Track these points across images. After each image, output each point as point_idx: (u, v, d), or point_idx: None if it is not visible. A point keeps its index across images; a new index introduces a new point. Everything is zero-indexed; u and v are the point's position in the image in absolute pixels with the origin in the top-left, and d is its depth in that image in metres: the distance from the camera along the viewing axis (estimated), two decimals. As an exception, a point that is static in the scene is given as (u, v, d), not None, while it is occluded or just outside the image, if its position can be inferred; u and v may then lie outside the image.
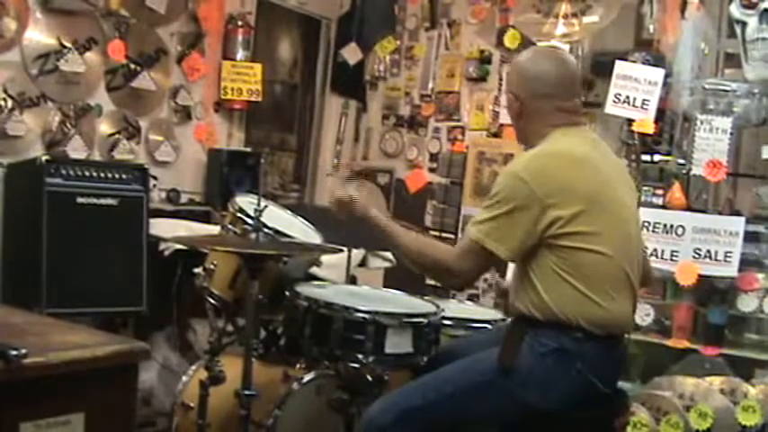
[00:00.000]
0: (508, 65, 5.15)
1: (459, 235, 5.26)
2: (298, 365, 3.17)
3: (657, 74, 3.87)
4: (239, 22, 5.16)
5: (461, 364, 2.56)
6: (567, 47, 4.38)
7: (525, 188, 2.38)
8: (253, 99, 5.21)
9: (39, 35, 4.21)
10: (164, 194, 4.72)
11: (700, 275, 3.67)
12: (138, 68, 4.65)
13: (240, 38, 5.17)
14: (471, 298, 5.04)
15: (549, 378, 2.38)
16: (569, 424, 2.43)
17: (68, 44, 4.29)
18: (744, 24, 3.68)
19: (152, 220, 4.11)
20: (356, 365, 2.81)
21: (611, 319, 2.43)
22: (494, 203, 2.43)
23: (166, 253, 4.03)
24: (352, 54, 5.76)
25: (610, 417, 2.53)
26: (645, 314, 3.79)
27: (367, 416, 2.50)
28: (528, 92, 2.58)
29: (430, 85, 5.64)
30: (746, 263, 3.69)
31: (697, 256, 3.68)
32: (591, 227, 2.39)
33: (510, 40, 5.00)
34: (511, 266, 2.86)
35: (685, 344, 3.75)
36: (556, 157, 2.48)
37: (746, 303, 3.69)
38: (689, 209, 3.80)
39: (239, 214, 3.09)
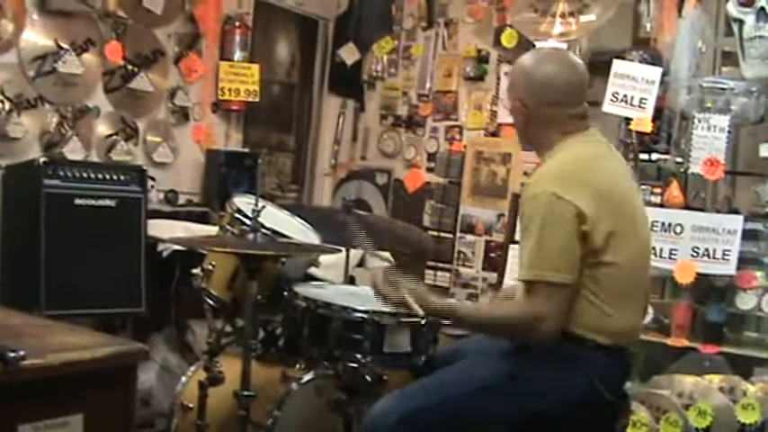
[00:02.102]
0: (506, 64, 5.16)
1: (458, 234, 5.26)
2: (296, 366, 3.16)
3: (655, 72, 3.87)
4: (236, 23, 5.16)
5: (465, 365, 2.54)
6: (564, 46, 4.38)
7: (561, 203, 2.29)
8: (250, 99, 5.21)
9: (36, 37, 4.21)
10: (162, 195, 4.72)
11: (698, 274, 3.68)
12: (136, 69, 4.65)
13: (237, 38, 5.16)
14: (470, 298, 5.05)
15: (554, 384, 2.36)
16: (573, 426, 2.42)
17: (66, 46, 4.28)
18: (741, 22, 3.68)
19: (150, 221, 4.11)
20: (355, 365, 2.81)
21: (622, 331, 2.41)
22: (534, 230, 2.31)
23: (165, 254, 4.03)
24: (349, 54, 5.76)
25: (612, 420, 2.53)
26: (643, 313, 3.79)
27: (369, 417, 2.47)
28: (536, 99, 2.47)
29: (427, 85, 5.64)
30: (745, 261, 3.69)
31: (695, 254, 3.68)
32: (618, 240, 2.33)
33: (507, 39, 4.99)
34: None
35: (684, 342, 3.75)
36: (581, 167, 2.40)
37: (745, 301, 3.69)
38: (687, 207, 3.80)
39: (237, 215, 3.09)
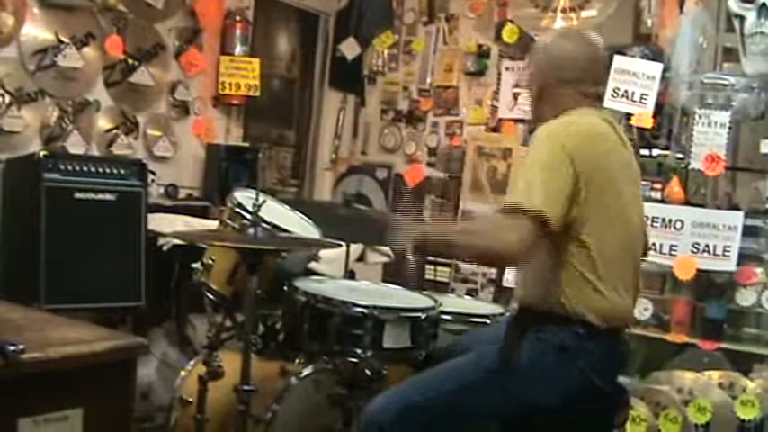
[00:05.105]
0: (506, 59, 5.16)
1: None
2: (296, 360, 3.17)
3: (656, 68, 3.87)
4: (237, 17, 5.15)
5: (461, 360, 2.54)
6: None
7: (562, 150, 2.29)
8: (251, 94, 5.20)
9: (36, 30, 4.20)
10: (162, 190, 4.71)
11: (698, 270, 3.68)
12: (136, 64, 4.65)
13: (238, 33, 5.15)
14: (470, 293, 5.05)
15: (549, 375, 2.36)
16: (570, 420, 2.42)
17: (66, 39, 4.28)
18: (742, 19, 3.68)
19: (150, 216, 4.11)
20: (354, 360, 2.81)
21: (615, 311, 2.40)
22: (531, 167, 2.30)
23: (165, 248, 4.03)
24: (350, 49, 5.76)
25: (610, 413, 2.53)
26: (643, 308, 3.80)
27: (367, 414, 2.47)
28: (552, 75, 2.51)
29: (428, 80, 5.63)
30: (745, 257, 3.69)
31: (695, 250, 3.69)
32: (606, 210, 2.34)
33: (508, 34, 4.99)
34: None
35: (684, 338, 3.76)
36: (585, 127, 2.42)
37: (745, 298, 3.69)
38: (687, 203, 3.81)
39: (238, 209, 3.09)
